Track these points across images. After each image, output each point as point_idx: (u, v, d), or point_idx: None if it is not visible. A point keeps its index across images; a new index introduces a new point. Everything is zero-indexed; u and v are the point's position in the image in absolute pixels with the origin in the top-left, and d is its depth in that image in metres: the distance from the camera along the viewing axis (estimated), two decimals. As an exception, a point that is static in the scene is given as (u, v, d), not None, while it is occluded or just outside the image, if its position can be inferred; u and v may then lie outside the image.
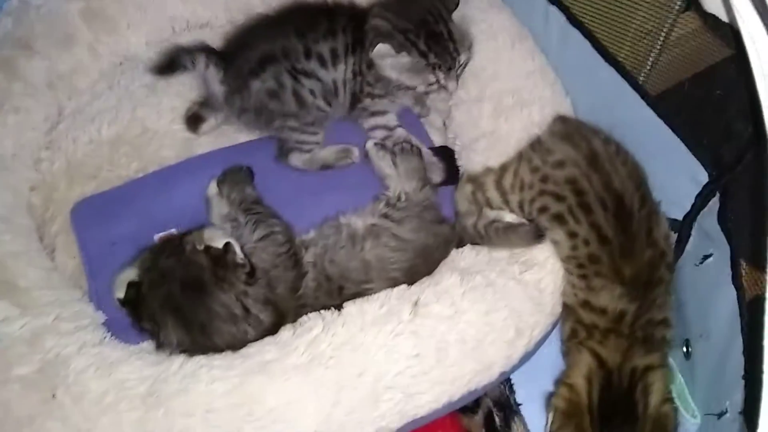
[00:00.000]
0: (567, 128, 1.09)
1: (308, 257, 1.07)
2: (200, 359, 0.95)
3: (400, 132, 1.25)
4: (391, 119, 1.26)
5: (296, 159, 1.23)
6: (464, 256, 1.09)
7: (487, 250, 1.08)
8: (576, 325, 1.02)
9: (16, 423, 0.92)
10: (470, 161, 1.22)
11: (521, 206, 1.08)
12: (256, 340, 0.99)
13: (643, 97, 1.05)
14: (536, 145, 1.10)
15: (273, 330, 1.01)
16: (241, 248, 1.00)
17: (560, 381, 1.00)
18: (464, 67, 1.20)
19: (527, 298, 1.03)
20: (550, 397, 1.01)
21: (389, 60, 1.14)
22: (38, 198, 1.22)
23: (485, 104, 1.22)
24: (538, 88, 1.21)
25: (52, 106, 1.30)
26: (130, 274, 1.00)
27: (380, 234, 1.07)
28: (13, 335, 0.97)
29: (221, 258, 0.99)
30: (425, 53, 1.14)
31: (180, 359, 0.96)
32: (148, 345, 1.01)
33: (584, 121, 1.12)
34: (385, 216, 1.10)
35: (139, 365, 0.96)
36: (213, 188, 1.15)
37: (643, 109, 1.05)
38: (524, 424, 1.12)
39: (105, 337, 1.01)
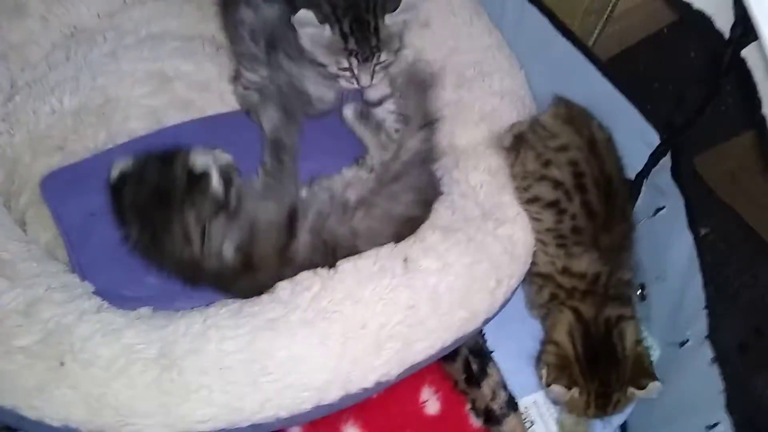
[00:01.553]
0: (570, 112, 1.17)
1: (305, 225, 1.10)
2: (206, 319, 0.98)
3: None
4: None
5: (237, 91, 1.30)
6: (440, 216, 1.15)
7: (461, 210, 1.16)
8: (556, 289, 1.13)
9: (26, 393, 0.92)
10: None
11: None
12: (214, 275, 1.06)
13: (598, 68, 1.17)
14: (539, 128, 1.17)
15: (238, 276, 1.06)
16: (228, 181, 1.07)
17: (545, 341, 1.11)
18: (386, 69, 1.15)
19: (503, 250, 1.12)
20: (539, 356, 1.11)
21: (309, 29, 1.09)
22: (1, 173, 1.19)
23: (448, 76, 1.30)
24: (497, 60, 1.31)
25: (5, 77, 1.26)
26: (128, 164, 1.06)
27: (371, 208, 1.11)
28: (6, 307, 0.96)
29: (196, 181, 1.04)
30: (346, 35, 1.10)
31: (185, 321, 0.98)
32: (145, 311, 1.02)
33: (582, 107, 1.18)
34: (378, 188, 1.13)
35: (144, 329, 0.97)
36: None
37: (598, 79, 1.17)
38: (497, 368, 1.22)
39: (102, 306, 1.01)
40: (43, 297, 0.98)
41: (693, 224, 1.02)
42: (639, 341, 1.08)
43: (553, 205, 1.13)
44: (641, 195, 1.18)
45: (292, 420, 1.00)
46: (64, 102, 1.23)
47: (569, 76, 1.22)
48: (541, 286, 1.16)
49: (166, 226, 1.04)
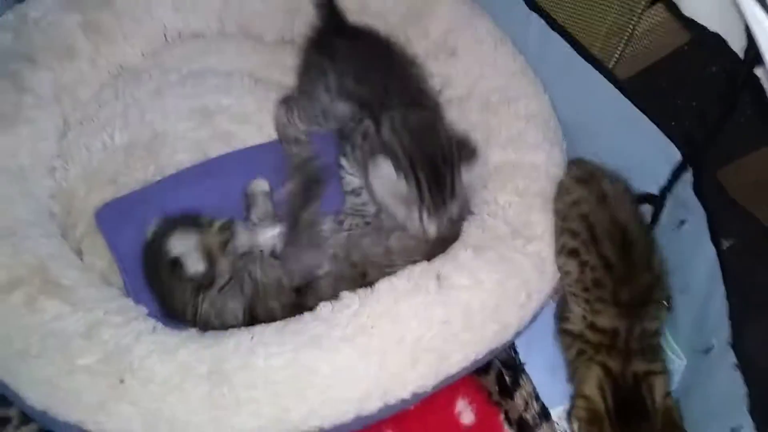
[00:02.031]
0: (582, 173, 1.25)
1: (329, 249, 1.18)
2: (254, 337, 1.04)
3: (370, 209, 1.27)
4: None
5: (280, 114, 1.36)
6: (471, 235, 1.20)
7: (491, 229, 1.21)
8: (584, 345, 1.15)
9: (89, 409, 0.98)
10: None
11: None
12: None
13: (618, 89, 1.21)
14: (560, 188, 1.26)
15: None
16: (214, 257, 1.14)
17: (575, 395, 1.12)
18: (451, 222, 1.17)
19: (532, 267, 1.17)
20: (570, 410, 1.13)
21: (384, 177, 1.12)
22: (58, 206, 1.27)
23: (474, 101, 1.37)
24: (522, 85, 1.36)
25: (58, 117, 1.35)
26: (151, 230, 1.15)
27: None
28: (69, 330, 1.02)
29: (174, 269, 1.11)
30: (421, 189, 1.11)
31: (233, 339, 1.04)
32: (195, 331, 1.08)
33: (596, 164, 1.26)
34: None
35: (196, 348, 1.03)
36: (260, 185, 1.24)
37: (619, 99, 1.21)
38: (530, 380, 1.26)
39: (156, 327, 1.07)
40: (102, 320, 1.05)
41: (715, 238, 1.06)
42: (668, 394, 1.09)
43: (574, 253, 1.17)
44: (665, 210, 1.21)
45: (335, 431, 1.05)
46: (115, 138, 1.32)
47: (592, 98, 1.26)
48: (570, 345, 1.18)
49: (170, 293, 1.13)
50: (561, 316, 1.23)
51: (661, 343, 1.16)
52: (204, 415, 0.99)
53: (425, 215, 1.13)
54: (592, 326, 1.15)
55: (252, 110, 1.39)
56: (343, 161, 1.26)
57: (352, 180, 1.26)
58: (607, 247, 1.15)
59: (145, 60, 1.47)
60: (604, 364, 1.12)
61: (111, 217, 1.24)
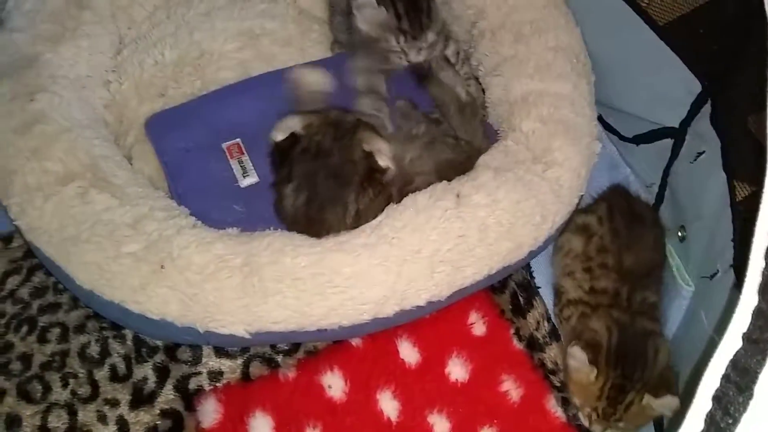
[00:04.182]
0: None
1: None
2: (284, 239, 1.12)
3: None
4: None
5: None
6: (494, 158, 1.26)
7: (513, 153, 1.27)
8: (586, 308, 1.21)
9: (132, 290, 1.09)
10: (492, 84, 1.40)
11: None
12: None
13: (646, 22, 1.24)
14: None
15: None
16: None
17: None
18: (433, 50, 1.29)
19: (550, 191, 1.21)
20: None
21: (368, 10, 1.24)
22: (111, 115, 1.37)
23: (506, 33, 1.40)
24: (553, 17, 1.39)
25: (115, 35, 1.45)
26: (296, 123, 1.12)
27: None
28: (117, 221, 1.12)
29: (374, 173, 1.12)
30: (399, 16, 1.23)
31: (267, 238, 1.12)
32: (232, 230, 1.17)
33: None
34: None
35: (232, 243, 1.12)
36: None
37: (646, 32, 1.23)
38: (543, 303, 1.33)
39: (196, 224, 1.17)
40: (147, 214, 1.14)
41: (727, 165, 1.09)
42: (670, 367, 1.13)
43: (584, 229, 1.27)
44: (685, 143, 1.25)
45: (353, 330, 1.14)
46: (165, 55, 1.42)
47: (619, 31, 1.29)
48: (572, 312, 1.24)
49: (331, 206, 1.15)
50: (557, 301, 1.31)
51: (660, 318, 1.22)
52: (236, 302, 1.08)
53: (402, 39, 1.24)
54: (591, 290, 1.22)
55: (294, 34, 1.46)
56: None
57: None
58: (618, 221, 1.25)
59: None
60: (609, 315, 1.18)
61: (159, 126, 1.33)
